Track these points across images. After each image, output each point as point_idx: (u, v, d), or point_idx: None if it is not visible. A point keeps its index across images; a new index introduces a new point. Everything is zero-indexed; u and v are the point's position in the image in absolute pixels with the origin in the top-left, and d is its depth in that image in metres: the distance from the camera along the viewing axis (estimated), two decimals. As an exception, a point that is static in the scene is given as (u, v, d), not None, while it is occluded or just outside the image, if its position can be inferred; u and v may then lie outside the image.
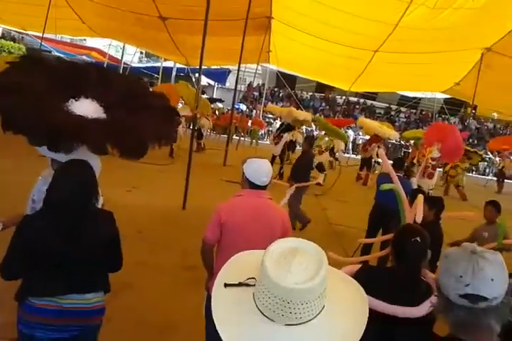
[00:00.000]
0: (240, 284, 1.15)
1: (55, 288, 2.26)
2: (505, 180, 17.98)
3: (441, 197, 5.16)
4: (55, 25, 15.43)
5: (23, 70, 2.85)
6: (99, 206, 2.85)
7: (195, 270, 4.90)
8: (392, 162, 7.90)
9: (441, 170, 13.40)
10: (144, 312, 4.14)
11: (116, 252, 2.51)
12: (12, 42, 27.45)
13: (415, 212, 3.52)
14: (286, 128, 13.72)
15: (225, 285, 1.16)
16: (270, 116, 26.43)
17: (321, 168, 12.95)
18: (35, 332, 2.25)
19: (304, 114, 14.63)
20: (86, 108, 2.78)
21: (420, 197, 3.68)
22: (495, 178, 18.57)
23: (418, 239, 2.35)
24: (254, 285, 1.12)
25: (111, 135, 2.62)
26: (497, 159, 21.80)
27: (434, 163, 12.16)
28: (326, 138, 14.05)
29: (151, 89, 3.57)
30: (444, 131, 10.51)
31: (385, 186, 4.06)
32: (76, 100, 2.80)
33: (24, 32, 22.29)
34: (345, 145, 19.67)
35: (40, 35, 16.68)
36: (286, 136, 13.06)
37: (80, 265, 2.30)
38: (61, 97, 2.76)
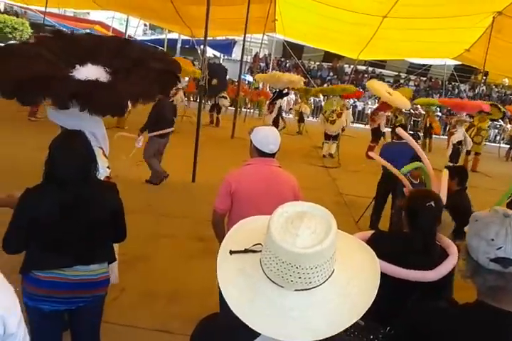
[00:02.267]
0: (246, 250, 1.11)
1: (60, 261, 2.26)
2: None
3: (462, 166, 4.95)
4: (58, -2, 15.18)
5: (44, 43, 3.28)
6: (103, 177, 2.84)
7: (205, 241, 4.94)
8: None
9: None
10: (156, 282, 4.19)
11: (120, 223, 2.49)
12: (15, 17, 27.03)
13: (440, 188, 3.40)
14: (278, 95, 13.46)
15: (231, 252, 1.13)
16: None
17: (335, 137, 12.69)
18: (40, 304, 2.25)
19: (288, 75, 14.11)
20: (88, 72, 2.99)
21: (445, 172, 3.54)
22: (507, 146, 18.22)
23: (432, 203, 2.31)
24: (260, 251, 1.08)
25: (80, 91, 2.77)
26: (508, 126, 21.43)
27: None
28: (335, 100, 13.22)
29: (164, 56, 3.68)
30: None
31: (410, 166, 3.91)
32: (82, 66, 3.05)
33: (27, 6, 21.92)
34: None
35: (43, 9, 16.43)
36: (280, 103, 12.94)
37: (83, 237, 2.28)
38: (66, 64, 3.06)
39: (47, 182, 2.30)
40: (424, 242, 2.30)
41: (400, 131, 4.38)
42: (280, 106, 13.24)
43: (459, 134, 12.04)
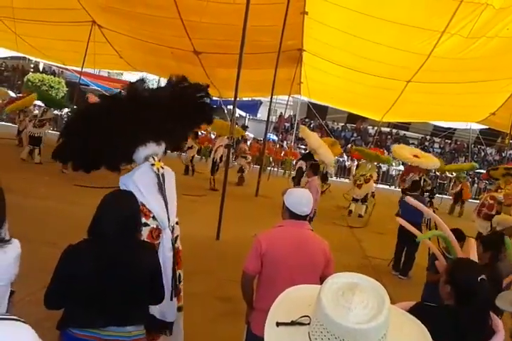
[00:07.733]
0: (293, 323, 1.07)
1: (96, 320, 2.23)
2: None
3: (501, 234, 4.30)
4: (94, 60, 16.01)
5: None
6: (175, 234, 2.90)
7: (230, 301, 4.80)
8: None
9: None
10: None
11: (158, 285, 2.47)
12: (52, 76, 28.55)
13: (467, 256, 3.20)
14: (306, 156, 13.43)
15: (277, 324, 1.08)
16: (302, 146, 26.48)
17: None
18: None
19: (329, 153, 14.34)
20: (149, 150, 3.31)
21: (472, 242, 3.28)
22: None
23: (484, 277, 2.13)
24: (308, 323, 1.04)
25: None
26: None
27: (492, 202, 9.94)
28: (369, 166, 13.45)
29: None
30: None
31: (428, 234, 3.87)
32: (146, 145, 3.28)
33: (64, 67, 23.16)
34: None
35: (79, 69, 17.30)
36: (300, 164, 12.95)
37: (120, 297, 2.26)
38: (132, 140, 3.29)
39: (89, 238, 2.32)
40: (476, 321, 2.10)
41: (408, 198, 4.45)
42: (300, 168, 13.17)
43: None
